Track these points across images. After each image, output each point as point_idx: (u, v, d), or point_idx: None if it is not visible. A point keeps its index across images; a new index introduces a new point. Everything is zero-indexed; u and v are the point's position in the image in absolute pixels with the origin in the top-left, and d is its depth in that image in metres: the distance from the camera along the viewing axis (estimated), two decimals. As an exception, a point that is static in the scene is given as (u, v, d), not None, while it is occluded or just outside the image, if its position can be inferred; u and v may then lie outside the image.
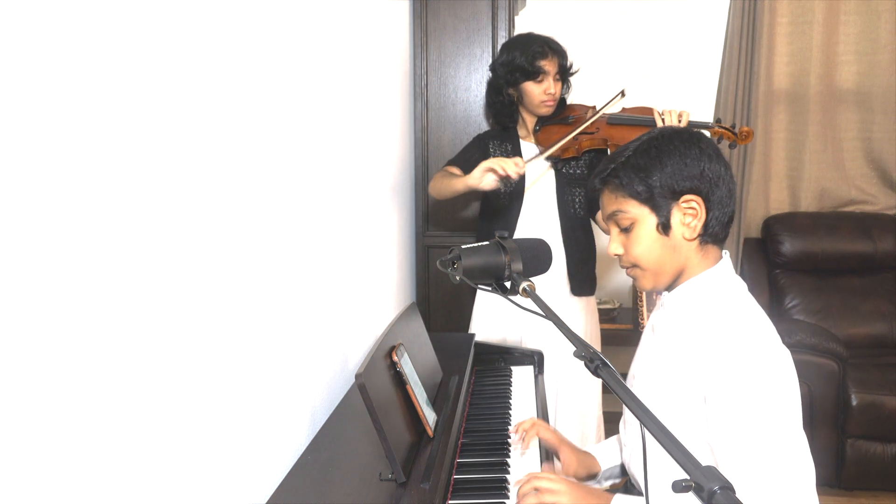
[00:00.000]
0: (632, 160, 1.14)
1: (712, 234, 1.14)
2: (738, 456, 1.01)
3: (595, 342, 2.26)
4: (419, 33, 2.59)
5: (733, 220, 1.17)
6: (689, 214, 1.12)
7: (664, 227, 1.13)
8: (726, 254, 1.19)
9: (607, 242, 1.21)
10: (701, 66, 3.34)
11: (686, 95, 3.31)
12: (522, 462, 1.35)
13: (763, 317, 1.11)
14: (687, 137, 1.14)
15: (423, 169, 2.64)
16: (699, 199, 1.12)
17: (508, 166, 1.88)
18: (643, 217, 1.14)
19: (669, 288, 1.20)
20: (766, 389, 1.02)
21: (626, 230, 1.16)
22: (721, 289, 1.14)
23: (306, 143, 1.33)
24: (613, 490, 1.24)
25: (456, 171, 2.13)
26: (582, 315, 2.20)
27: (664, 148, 1.13)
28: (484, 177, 1.91)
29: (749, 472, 0.99)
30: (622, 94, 2.07)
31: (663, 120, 1.99)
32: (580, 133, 2.07)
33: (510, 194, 2.15)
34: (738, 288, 1.15)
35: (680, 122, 1.97)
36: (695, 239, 1.14)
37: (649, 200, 1.13)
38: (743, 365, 1.03)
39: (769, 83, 3.30)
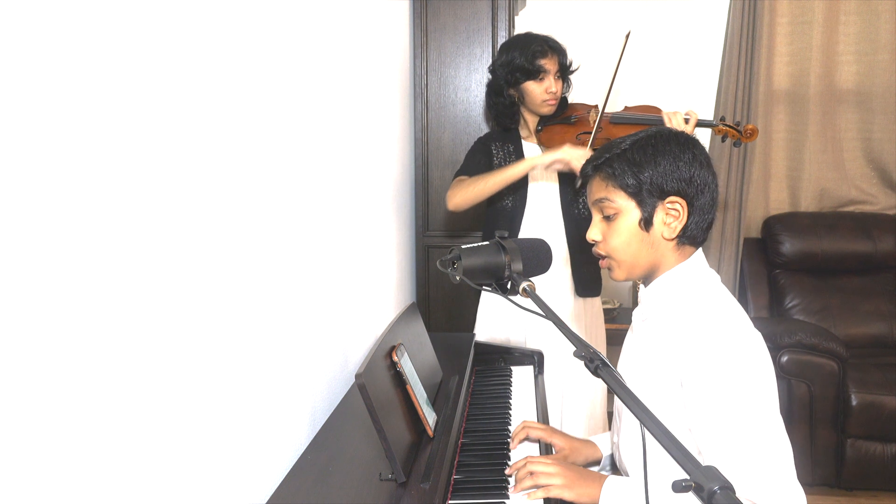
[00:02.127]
0: (628, 153, 1.17)
1: (690, 237, 1.18)
2: (717, 436, 1.04)
3: (600, 344, 2.26)
4: (419, 33, 2.59)
5: (712, 227, 1.21)
6: (671, 215, 1.16)
7: (646, 222, 1.17)
8: (699, 250, 1.22)
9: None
10: (701, 66, 3.34)
11: (686, 95, 3.31)
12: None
13: (734, 304, 1.15)
14: (683, 141, 1.18)
15: (423, 169, 2.64)
16: (683, 202, 1.15)
17: (583, 163, 1.93)
18: (628, 210, 1.17)
19: (645, 283, 1.24)
20: (740, 370, 1.06)
21: (608, 218, 1.20)
22: (694, 280, 1.18)
23: (306, 143, 1.33)
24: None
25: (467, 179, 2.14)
26: (587, 316, 2.19)
27: (660, 147, 1.16)
28: (553, 164, 1.97)
29: (728, 452, 1.02)
30: (627, 36, 2.05)
31: (671, 120, 1.98)
32: (582, 133, 2.07)
33: (514, 196, 2.15)
34: (711, 279, 1.19)
35: (687, 124, 1.98)
36: (673, 239, 1.17)
37: (637, 195, 1.16)
38: (716, 348, 1.07)
39: (769, 83, 3.30)
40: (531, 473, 1.17)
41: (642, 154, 1.16)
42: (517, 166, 2.02)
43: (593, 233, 1.22)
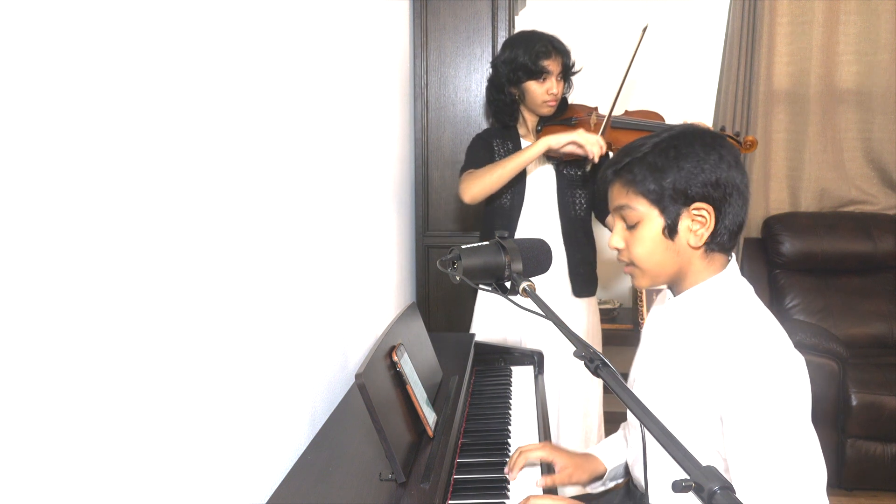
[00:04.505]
0: (649, 157, 1.10)
1: (719, 244, 1.11)
2: (758, 470, 0.99)
3: (597, 344, 2.25)
4: (419, 33, 2.59)
5: (743, 229, 1.13)
6: (697, 222, 1.09)
7: (670, 230, 1.10)
8: (733, 257, 1.16)
9: (608, 237, 1.19)
10: (701, 67, 3.34)
11: (686, 96, 3.31)
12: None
13: (774, 323, 1.08)
14: (709, 141, 1.10)
15: (423, 169, 2.64)
16: (710, 208, 1.08)
17: (595, 148, 1.93)
18: (650, 217, 1.11)
19: (674, 292, 1.18)
20: (785, 405, 1.00)
21: (631, 227, 1.14)
22: (729, 296, 1.11)
23: (306, 143, 1.33)
24: (615, 491, 1.23)
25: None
26: (583, 316, 2.19)
27: (683, 150, 1.09)
28: (567, 146, 1.96)
29: (767, 485, 0.98)
30: (644, 30, 2.05)
31: None
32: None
33: (511, 195, 2.15)
34: (746, 294, 1.12)
35: None
36: (700, 247, 1.11)
37: (659, 202, 1.10)
38: (761, 383, 1.01)
39: (769, 83, 3.30)
40: None
41: (664, 158, 1.08)
42: (532, 149, 2.00)
43: (615, 240, 1.16)
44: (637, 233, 1.13)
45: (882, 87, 3.27)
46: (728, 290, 1.12)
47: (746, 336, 1.05)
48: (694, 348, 1.11)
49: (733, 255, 1.16)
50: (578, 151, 1.97)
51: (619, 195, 1.15)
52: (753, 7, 3.19)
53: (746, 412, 1.01)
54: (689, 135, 1.11)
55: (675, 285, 1.17)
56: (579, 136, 1.95)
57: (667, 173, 1.08)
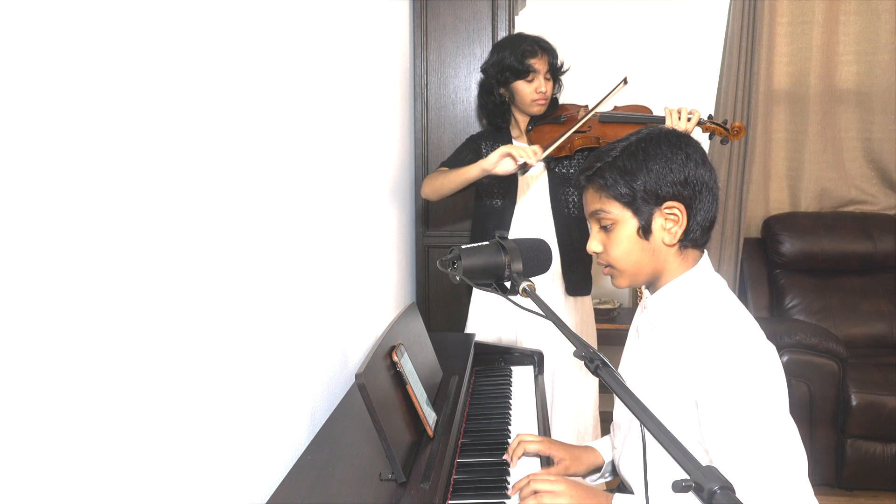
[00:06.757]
0: (618, 161, 1.14)
1: (692, 240, 1.15)
2: (735, 455, 1.02)
3: (591, 343, 2.26)
4: (419, 33, 2.59)
5: (714, 225, 1.17)
6: (670, 220, 1.13)
7: (644, 231, 1.14)
8: (705, 253, 1.20)
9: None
10: (701, 66, 3.34)
11: (686, 95, 3.31)
12: (523, 462, 1.34)
13: (745, 314, 1.12)
14: (675, 141, 1.14)
15: (423, 169, 2.64)
16: (681, 206, 1.12)
17: (528, 154, 1.86)
18: (624, 219, 1.15)
19: (651, 290, 1.21)
20: (757, 388, 1.03)
21: (606, 229, 1.17)
22: (702, 289, 1.15)
23: (306, 143, 1.33)
24: (611, 490, 1.24)
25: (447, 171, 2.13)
26: (577, 315, 2.20)
27: (651, 151, 1.13)
28: (501, 161, 1.89)
29: (746, 470, 1.00)
30: (624, 81, 2.05)
31: (672, 117, 1.96)
32: (574, 132, 2.07)
33: (503, 195, 2.15)
34: (719, 287, 1.16)
35: (689, 122, 1.94)
36: (674, 245, 1.14)
37: (632, 204, 1.13)
38: (732, 367, 1.04)
39: (769, 83, 3.30)
40: (535, 493, 1.12)
41: (633, 161, 1.13)
42: (470, 169, 1.97)
43: (593, 245, 1.19)
44: (613, 235, 1.16)
45: (882, 87, 3.27)
46: (702, 284, 1.16)
47: (719, 326, 1.09)
48: (671, 340, 1.15)
49: (706, 250, 1.20)
50: (512, 163, 1.87)
51: (592, 200, 1.19)
52: (753, 7, 3.19)
53: (719, 397, 1.04)
54: (656, 136, 1.15)
55: (652, 283, 1.21)
56: (505, 147, 1.88)
57: (637, 175, 1.12)
